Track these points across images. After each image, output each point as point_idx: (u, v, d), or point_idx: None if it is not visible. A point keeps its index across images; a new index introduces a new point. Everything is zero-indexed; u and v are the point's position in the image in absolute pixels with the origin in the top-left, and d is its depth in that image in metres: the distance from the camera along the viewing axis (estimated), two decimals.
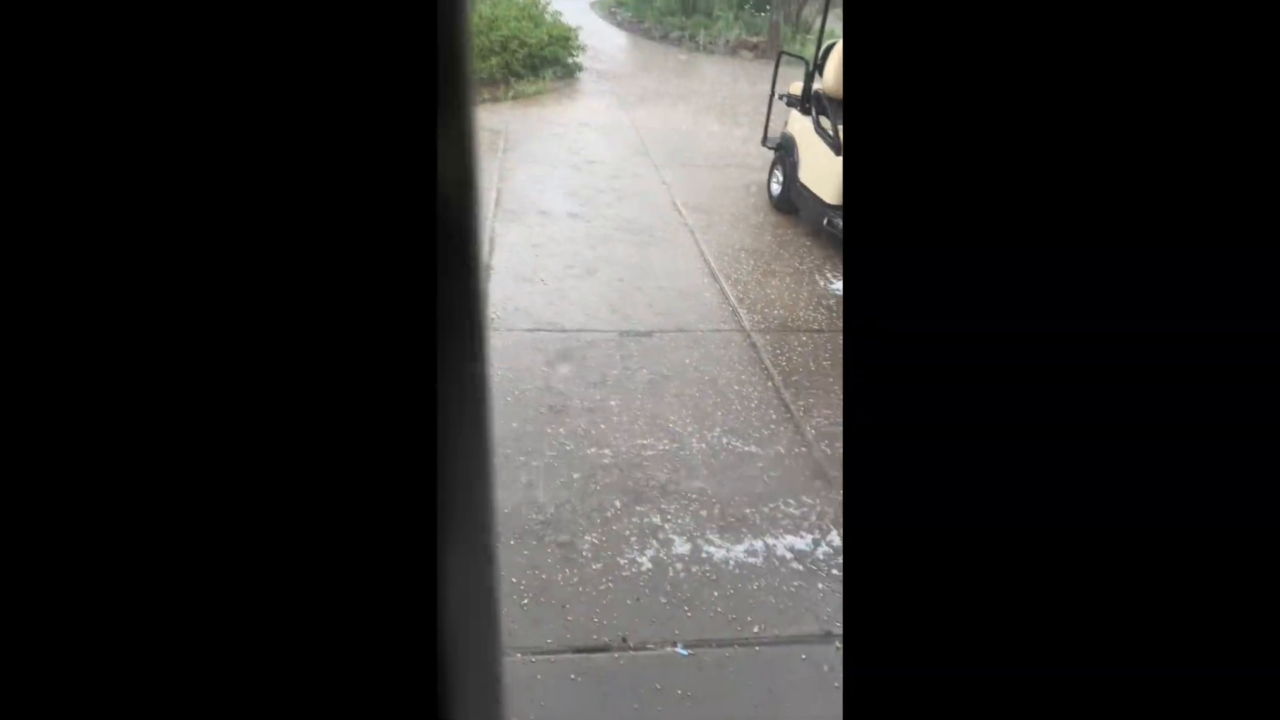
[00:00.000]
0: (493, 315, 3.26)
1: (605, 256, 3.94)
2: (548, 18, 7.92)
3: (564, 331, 3.21)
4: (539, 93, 7.24)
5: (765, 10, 11.47)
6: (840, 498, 2.39)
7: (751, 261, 4.04)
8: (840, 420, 2.77)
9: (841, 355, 3.22)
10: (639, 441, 2.55)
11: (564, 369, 2.95)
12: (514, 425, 2.55)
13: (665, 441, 2.57)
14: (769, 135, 4.93)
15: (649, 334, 3.25)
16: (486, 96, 6.81)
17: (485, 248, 3.92)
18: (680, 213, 4.64)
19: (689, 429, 2.64)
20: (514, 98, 6.96)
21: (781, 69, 4.91)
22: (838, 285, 3.83)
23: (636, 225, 4.38)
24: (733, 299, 3.61)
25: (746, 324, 3.41)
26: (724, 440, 2.60)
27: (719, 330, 3.34)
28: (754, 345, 3.24)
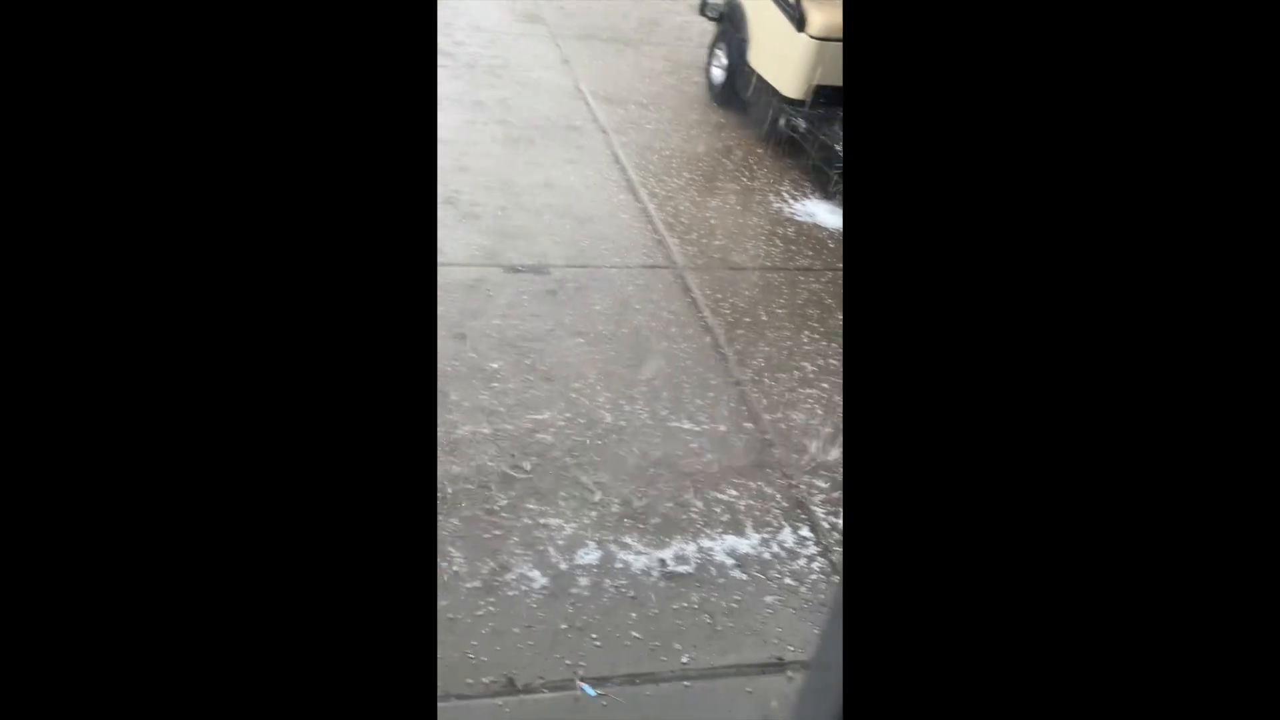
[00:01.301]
0: None
1: (484, 165, 3.85)
2: None
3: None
4: None
5: None
6: (793, 485, 2.46)
7: (685, 174, 4.04)
8: (797, 385, 2.84)
9: (795, 297, 3.29)
10: (532, 416, 2.54)
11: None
12: None
13: (567, 414, 2.56)
14: (709, 2, 4.90)
15: (544, 269, 3.21)
16: None
17: None
18: (588, 105, 4.57)
19: (599, 398, 2.65)
20: None
21: None
22: (798, 208, 3.89)
23: (528, 121, 4.29)
24: (659, 224, 3.61)
25: (677, 258, 3.42)
26: (645, 412, 2.62)
27: (640, 266, 3.34)
28: (686, 286, 3.26)
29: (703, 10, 4.93)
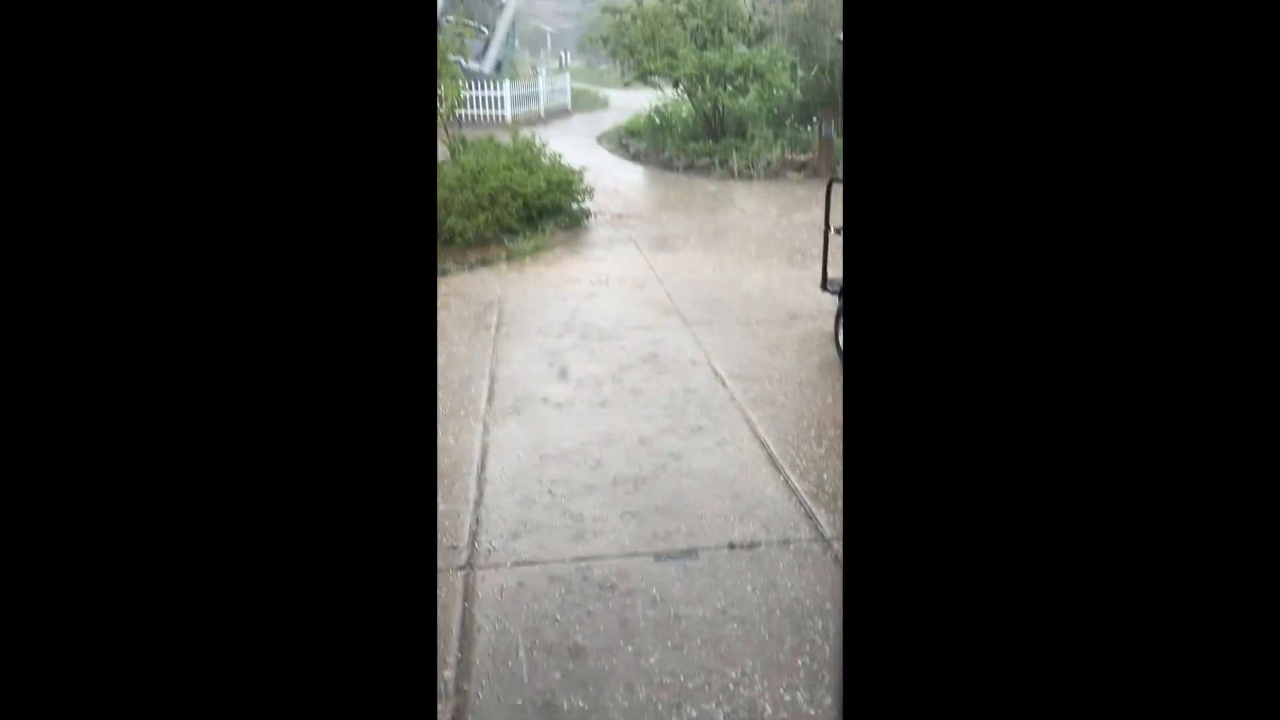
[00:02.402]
0: (489, 546, 3.32)
1: (629, 455, 4.05)
2: (545, 160, 8.73)
3: (580, 561, 3.25)
4: (539, 249, 7.82)
5: (811, 124, 12.47)
6: None
7: (825, 443, 4.11)
8: None
9: None
10: (691, 710, 2.49)
11: (583, 611, 2.95)
12: (516, 702, 2.52)
13: (726, 708, 2.50)
14: (829, 277, 5.20)
15: (694, 553, 3.26)
16: (476, 260, 7.38)
17: (477, 455, 4.08)
18: (725, 385, 4.81)
19: (757, 687, 2.58)
20: (508, 258, 7.53)
21: (837, 194, 5.28)
22: None
23: (669, 409, 4.54)
24: (805, 496, 3.64)
25: (826, 530, 3.40)
26: (806, 701, 2.52)
27: (789, 541, 3.34)
28: (838, 559, 3.21)
29: (824, 286, 5.23)
